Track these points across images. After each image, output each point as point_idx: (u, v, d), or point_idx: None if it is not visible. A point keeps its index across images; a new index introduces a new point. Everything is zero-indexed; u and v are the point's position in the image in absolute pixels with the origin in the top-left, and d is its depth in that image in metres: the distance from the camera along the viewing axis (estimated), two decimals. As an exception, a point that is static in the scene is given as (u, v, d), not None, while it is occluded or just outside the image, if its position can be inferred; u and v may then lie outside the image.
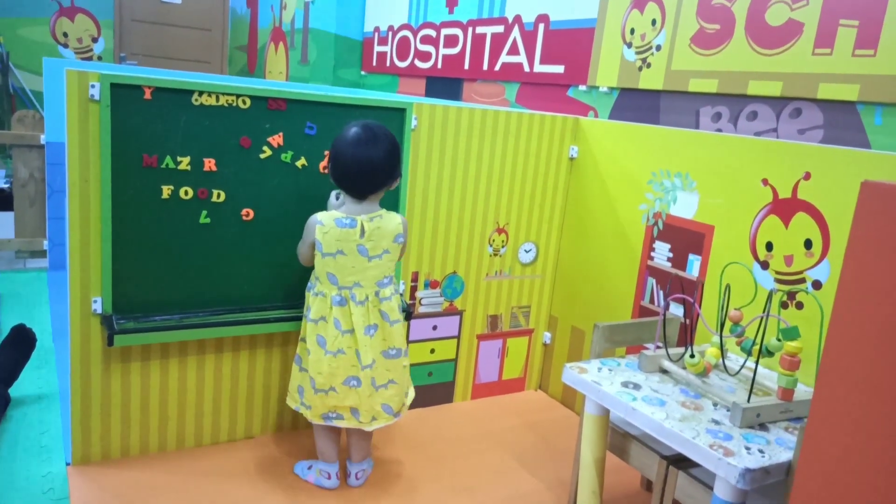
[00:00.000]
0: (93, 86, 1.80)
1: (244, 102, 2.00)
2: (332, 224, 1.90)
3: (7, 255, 3.97)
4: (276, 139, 2.07)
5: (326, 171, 2.15)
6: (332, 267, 1.91)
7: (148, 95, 1.87)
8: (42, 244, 3.83)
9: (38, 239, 3.84)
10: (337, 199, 2.01)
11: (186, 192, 1.98)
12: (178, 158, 1.95)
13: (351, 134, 1.90)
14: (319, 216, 1.92)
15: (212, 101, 1.96)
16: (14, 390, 2.40)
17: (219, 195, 2.02)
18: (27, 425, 2.25)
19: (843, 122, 2.13)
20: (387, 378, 1.98)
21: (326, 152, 2.15)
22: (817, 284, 1.89)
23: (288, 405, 2.09)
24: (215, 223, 2.04)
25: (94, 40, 6.46)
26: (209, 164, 1.99)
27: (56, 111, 2.28)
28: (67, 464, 2.05)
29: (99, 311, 1.94)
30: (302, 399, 2.01)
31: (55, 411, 2.35)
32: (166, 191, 1.95)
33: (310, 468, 2.09)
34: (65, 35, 6.33)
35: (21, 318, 3.10)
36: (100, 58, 6.46)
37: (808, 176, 1.90)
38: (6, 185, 4.35)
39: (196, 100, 1.94)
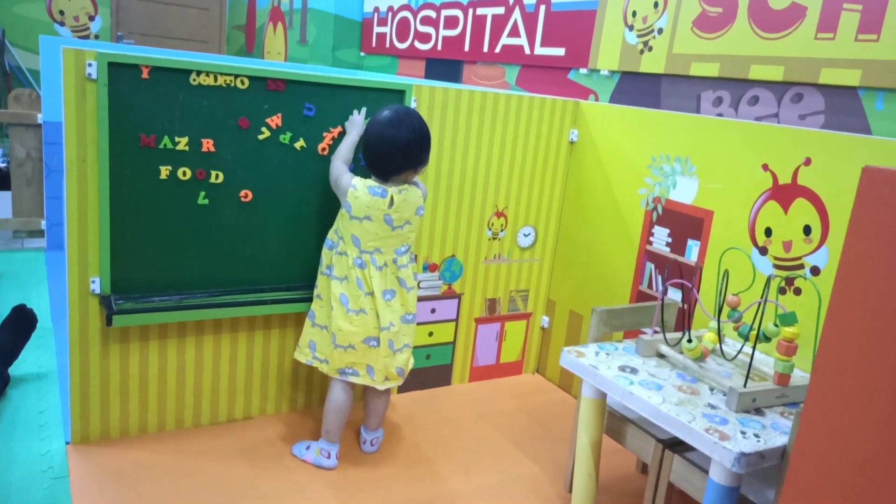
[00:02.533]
0: (90, 64, 1.79)
1: (242, 83, 1.99)
2: (364, 191, 1.95)
3: (5, 235, 3.96)
4: (275, 120, 2.06)
5: (325, 152, 2.14)
6: (357, 230, 1.96)
7: (145, 75, 1.86)
8: (40, 224, 3.82)
9: (35, 219, 3.83)
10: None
11: (185, 173, 1.97)
12: (177, 139, 1.94)
13: (381, 117, 1.97)
14: (354, 181, 1.97)
15: (210, 80, 1.94)
16: (13, 370, 2.40)
17: (217, 176, 2.02)
18: (27, 405, 2.26)
19: (844, 107, 2.12)
20: (403, 342, 2.06)
21: (326, 134, 2.14)
22: (815, 270, 1.89)
23: (296, 359, 2.15)
24: (214, 204, 2.03)
25: (91, 18, 6.39)
26: (207, 144, 1.98)
27: (53, 90, 2.27)
28: (67, 443, 2.06)
29: (97, 291, 1.94)
30: (315, 353, 2.09)
31: (54, 391, 2.36)
32: (164, 171, 1.94)
33: (308, 448, 2.11)
34: (61, 13, 6.27)
35: (19, 299, 3.10)
36: (97, 36, 6.40)
37: (808, 161, 1.90)
38: (3, 165, 4.33)
39: (194, 80, 1.92)
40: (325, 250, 2.06)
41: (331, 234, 2.05)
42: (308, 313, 2.11)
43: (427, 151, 2.01)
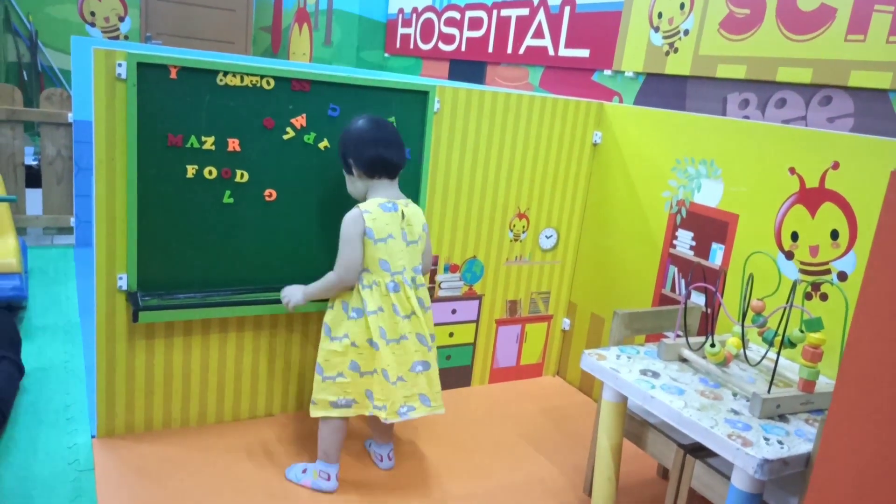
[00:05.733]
0: (120, 65, 1.82)
1: (268, 83, 2.01)
2: (377, 210, 1.88)
3: (35, 232, 4.04)
4: (300, 120, 2.08)
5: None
6: (383, 252, 1.88)
7: (173, 75, 1.89)
8: (69, 221, 3.89)
9: (64, 216, 3.91)
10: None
11: (210, 172, 2.00)
12: (203, 138, 1.96)
13: (362, 122, 1.94)
14: (361, 206, 1.88)
15: (236, 81, 1.97)
16: (41, 363, 2.45)
17: (242, 175, 2.04)
18: (54, 398, 2.30)
19: (874, 110, 2.09)
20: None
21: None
22: (843, 276, 1.86)
23: (314, 417, 1.95)
24: (238, 203, 2.06)
25: (121, 19, 6.50)
26: (233, 144, 2.00)
27: (83, 90, 2.31)
28: (92, 436, 2.10)
29: (124, 287, 1.97)
30: (342, 400, 1.92)
31: (81, 385, 2.40)
32: (191, 170, 1.97)
33: (304, 472, 2.00)
34: (92, 14, 6.39)
35: (48, 294, 3.16)
36: (126, 37, 6.51)
37: (836, 165, 1.87)
38: (35, 163, 4.42)
39: (221, 80, 1.95)
40: (343, 294, 1.93)
41: None
42: (316, 368, 1.95)
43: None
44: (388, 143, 1.91)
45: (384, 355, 1.87)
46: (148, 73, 1.85)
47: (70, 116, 3.71)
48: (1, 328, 2.43)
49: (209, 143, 1.97)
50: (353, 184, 1.97)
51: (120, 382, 2.07)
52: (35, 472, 1.91)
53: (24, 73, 6.10)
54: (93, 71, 1.81)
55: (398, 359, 1.89)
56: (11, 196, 3.08)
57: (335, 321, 1.93)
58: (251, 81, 1.98)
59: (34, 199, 3.95)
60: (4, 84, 3.80)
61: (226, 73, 1.95)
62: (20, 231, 3.85)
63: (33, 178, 4.01)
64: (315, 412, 1.94)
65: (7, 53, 6.06)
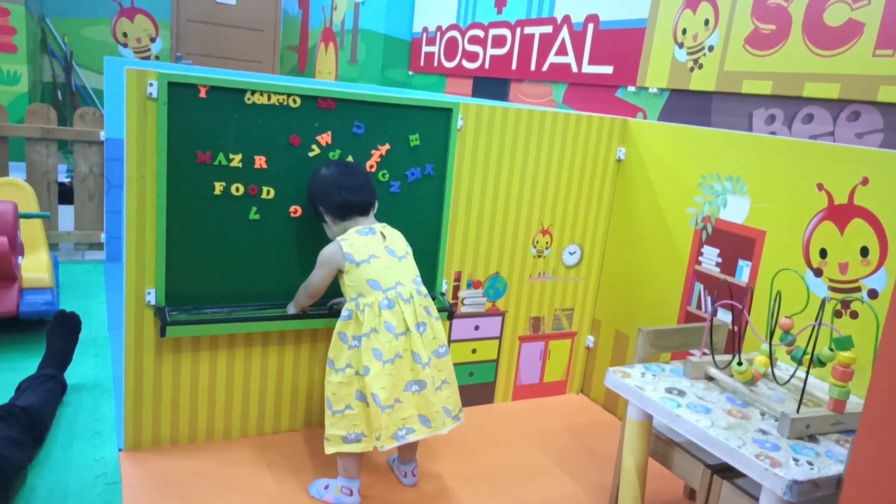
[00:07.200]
0: (151, 84, 1.86)
1: (294, 101, 2.04)
2: (354, 236, 1.94)
3: (66, 247, 4.13)
4: (325, 138, 2.10)
5: (373, 169, 2.18)
6: (370, 273, 1.90)
7: (203, 94, 1.93)
8: (100, 237, 3.97)
9: (95, 232, 3.99)
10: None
11: (238, 189, 2.03)
12: (231, 156, 2.00)
13: (325, 170, 2.01)
14: (337, 239, 1.95)
15: (263, 100, 2.00)
16: (70, 378, 2.49)
17: (268, 192, 2.07)
18: (83, 412, 2.34)
19: (904, 125, 2.06)
20: (440, 379, 1.97)
21: (374, 151, 2.17)
22: (873, 293, 1.82)
23: (329, 454, 1.93)
24: (265, 219, 2.08)
25: (152, 40, 6.66)
26: (260, 161, 2.04)
27: (115, 108, 2.37)
28: (120, 449, 2.12)
29: (153, 302, 2.01)
30: (352, 434, 1.90)
31: (109, 399, 2.44)
32: (219, 187, 2.00)
33: (327, 488, 2.00)
34: (125, 35, 6.55)
35: (78, 309, 3.22)
36: (157, 57, 6.67)
37: (865, 181, 1.84)
38: (67, 180, 4.53)
39: (248, 99, 1.98)
40: (339, 325, 1.93)
41: (345, 309, 1.94)
42: (326, 403, 1.94)
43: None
44: (352, 188, 1.98)
45: (379, 378, 1.84)
46: (178, 92, 1.90)
47: (102, 135, 3.80)
48: (55, 347, 2.46)
49: (237, 160, 2.01)
50: (330, 229, 2.03)
51: (147, 396, 2.09)
52: (63, 485, 1.94)
53: (59, 92, 6.27)
54: (125, 90, 1.85)
55: (393, 379, 1.86)
56: (45, 212, 3.15)
57: (336, 354, 1.94)
58: (278, 100, 2.02)
59: (66, 216, 4.03)
60: (40, 103, 3.90)
61: (253, 92, 1.98)
62: (52, 247, 3.93)
63: (66, 194, 4.10)
64: (329, 449, 1.93)
65: (43, 74, 6.24)
